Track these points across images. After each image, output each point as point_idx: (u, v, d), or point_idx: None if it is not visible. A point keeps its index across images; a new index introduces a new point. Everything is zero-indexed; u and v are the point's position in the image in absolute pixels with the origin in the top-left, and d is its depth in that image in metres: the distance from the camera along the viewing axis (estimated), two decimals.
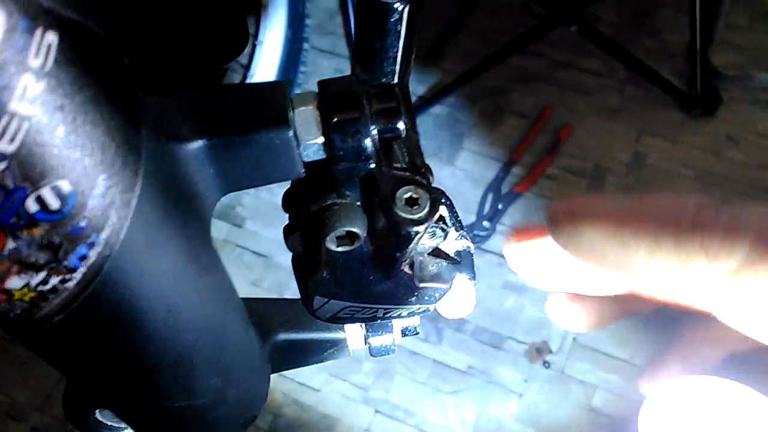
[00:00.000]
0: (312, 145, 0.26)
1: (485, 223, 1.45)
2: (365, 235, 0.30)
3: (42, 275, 0.19)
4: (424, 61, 1.65)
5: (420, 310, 0.36)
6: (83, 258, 0.20)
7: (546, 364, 1.32)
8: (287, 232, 0.34)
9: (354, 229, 0.29)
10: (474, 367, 1.36)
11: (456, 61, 1.62)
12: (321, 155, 0.26)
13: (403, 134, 0.27)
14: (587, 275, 0.25)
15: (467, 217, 1.46)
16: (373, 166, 0.28)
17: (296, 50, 1.50)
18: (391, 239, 0.30)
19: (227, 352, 0.30)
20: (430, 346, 1.39)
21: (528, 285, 0.29)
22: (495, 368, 1.35)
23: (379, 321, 0.38)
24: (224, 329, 0.29)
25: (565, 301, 0.28)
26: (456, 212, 0.35)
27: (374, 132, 0.26)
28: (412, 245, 0.29)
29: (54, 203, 0.18)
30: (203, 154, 0.24)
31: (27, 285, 0.19)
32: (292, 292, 1.37)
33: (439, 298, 0.35)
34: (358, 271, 0.32)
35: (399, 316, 0.36)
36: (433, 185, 0.37)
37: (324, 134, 0.25)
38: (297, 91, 1.19)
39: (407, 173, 0.28)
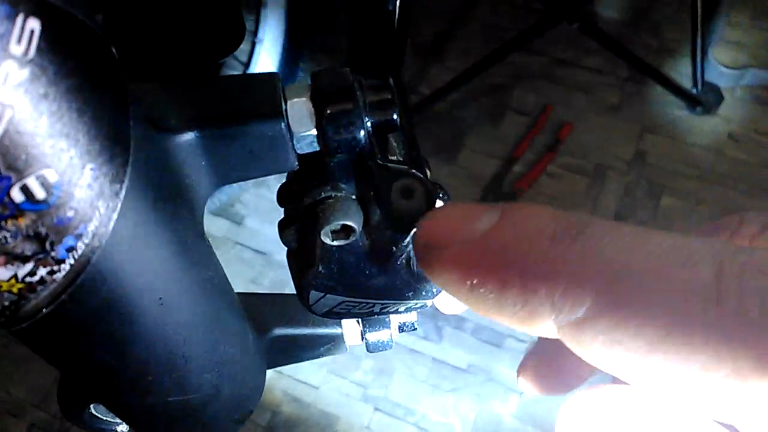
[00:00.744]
0: (305, 137, 0.25)
1: None
2: (361, 228, 0.30)
3: (29, 266, 0.19)
4: (425, 58, 1.64)
5: (417, 306, 0.36)
6: (71, 249, 0.19)
7: None
8: (282, 226, 0.33)
9: (349, 223, 0.29)
10: (474, 365, 1.36)
11: (457, 59, 1.61)
12: (315, 147, 0.26)
13: (398, 126, 0.27)
14: None
15: None
16: (368, 158, 0.28)
17: (296, 47, 1.49)
18: (386, 233, 0.30)
19: (221, 347, 0.30)
20: (430, 343, 1.38)
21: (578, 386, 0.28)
22: (495, 366, 1.34)
23: (375, 317, 0.38)
24: (218, 323, 0.29)
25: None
26: None
27: (368, 124, 0.26)
28: (408, 239, 0.29)
29: (40, 193, 0.17)
30: (195, 146, 0.24)
31: (14, 276, 0.19)
32: (291, 289, 1.36)
33: (437, 294, 0.35)
34: (355, 266, 0.32)
35: (396, 312, 0.36)
36: (431, 180, 0.37)
37: (317, 126, 0.25)
38: None
39: (403, 166, 0.28)
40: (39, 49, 0.16)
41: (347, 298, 0.33)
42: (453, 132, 1.56)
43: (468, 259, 0.19)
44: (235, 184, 1.47)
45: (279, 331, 0.37)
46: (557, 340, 0.26)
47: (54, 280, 0.20)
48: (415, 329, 0.41)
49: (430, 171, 0.36)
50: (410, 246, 0.31)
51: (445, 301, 0.36)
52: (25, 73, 0.15)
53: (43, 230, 0.19)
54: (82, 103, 0.18)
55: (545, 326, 0.17)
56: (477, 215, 0.19)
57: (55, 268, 0.20)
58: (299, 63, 1.53)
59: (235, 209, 1.54)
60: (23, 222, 0.18)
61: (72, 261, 0.20)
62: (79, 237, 0.19)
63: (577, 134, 1.53)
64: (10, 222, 0.18)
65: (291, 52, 1.47)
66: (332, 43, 1.70)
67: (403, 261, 0.32)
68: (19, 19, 0.15)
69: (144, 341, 0.25)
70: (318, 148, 0.26)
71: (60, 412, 0.38)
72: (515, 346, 1.35)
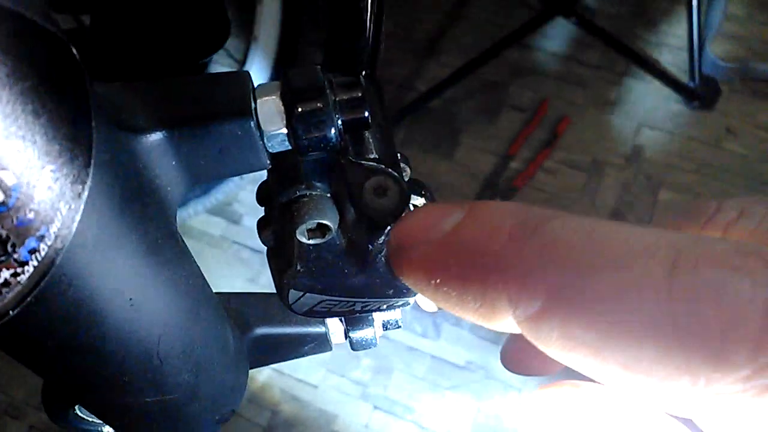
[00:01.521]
0: (276, 135, 0.25)
1: None
2: (336, 227, 0.30)
3: None
4: (421, 55, 1.64)
5: (399, 303, 0.36)
6: (33, 251, 0.19)
7: None
8: (260, 226, 0.33)
9: (324, 221, 0.29)
10: (473, 362, 1.36)
11: (453, 55, 1.61)
12: (287, 146, 0.26)
13: (370, 125, 0.27)
14: None
15: None
16: (341, 157, 0.28)
17: (293, 45, 1.49)
18: (362, 231, 0.30)
19: (198, 347, 0.29)
20: (429, 341, 1.38)
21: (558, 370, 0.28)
22: (493, 363, 1.34)
23: (358, 315, 0.38)
24: (194, 323, 0.29)
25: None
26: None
27: (339, 122, 0.26)
28: (383, 236, 0.29)
29: None
30: (163, 146, 0.24)
31: None
32: None
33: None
34: (333, 264, 0.32)
35: (378, 310, 0.36)
36: (415, 177, 0.37)
37: (288, 125, 0.25)
38: None
39: (376, 164, 0.28)
40: None
41: (327, 297, 0.33)
42: (449, 128, 1.55)
43: (430, 258, 0.19)
44: (232, 183, 1.48)
45: (261, 331, 0.37)
46: None
47: (18, 282, 0.20)
48: (399, 327, 0.41)
49: (410, 168, 0.36)
50: (386, 244, 0.31)
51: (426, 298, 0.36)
52: None
53: (3, 232, 0.19)
54: (38, 104, 0.18)
55: (506, 322, 0.17)
56: (445, 215, 0.20)
57: (19, 270, 0.20)
58: (295, 60, 1.53)
59: (233, 208, 1.54)
60: None
61: (35, 263, 0.20)
62: (41, 239, 0.19)
63: (575, 129, 1.53)
64: None
65: (287, 50, 1.47)
66: None
67: (382, 259, 0.32)
68: None
69: (116, 342, 0.25)
70: (290, 147, 0.26)
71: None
72: None
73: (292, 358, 0.40)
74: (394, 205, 0.27)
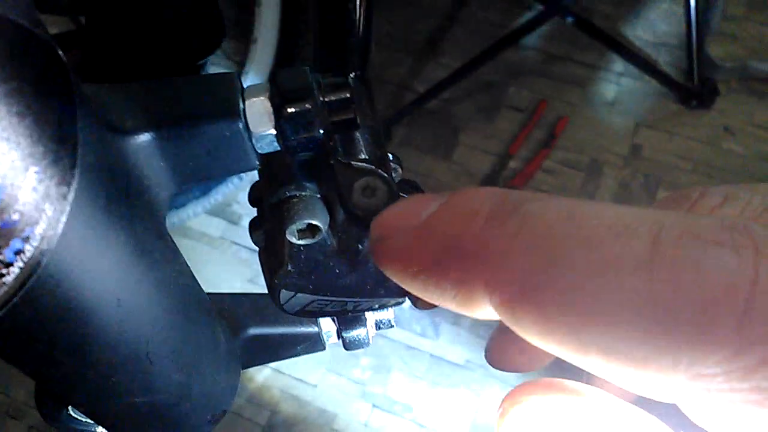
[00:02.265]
0: (265, 136, 0.25)
1: None
2: (326, 227, 0.30)
3: None
4: (419, 56, 1.64)
5: (391, 303, 0.36)
6: (19, 252, 0.20)
7: None
8: (252, 226, 0.33)
9: (314, 222, 0.29)
10: (471, 361, 1.36)
11: (451, 56, 1.61)
12: (276, 147, 0.26)
13: (358, 125, 0.27)
14: None
15: None
16: (331, 157, 0.28)
17: (291, 47, 1.49)
18: (352, 231, 0.30)
19: (189, 347, 0.30)
20: (427, 340, 1.38)
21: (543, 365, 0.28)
22: None
23: (350, 315, 0.38)
24: (184, 324, 0.29)
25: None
26: None
27: (327, 123, 0.26)
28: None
29: None
30: (151, 147, 0.24)
31: None
32: None
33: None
34: (324, 264, 0.32)
35: (370, 309, 0.36)
36: (413, 177, 0.37)
37: (276, 125, 0.25)
38: None
39: (365, 164, 0.28)
40: None
41: (319, 297, 0.33)
42: (448, 129, 1.56)
43: (406, 247, 0.18)
44: (231, 184, 1.48)
45: (254, 331, 0.37)
46: None
47: (4, 283, 0.20)
48: (393, 326, 0.41)
49: (401, 168, 0.36)
50: None
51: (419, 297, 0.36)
52: None
53: None
54: (22, 106, 0.18)
55: (486, 309, 0.17)
56: (424, 204, 0.19)
57: (4, 271, 0.20)
58: (294, 62, 1.53)
59: (232, 209, 1.54)
60: None
61: (21, 264, 0.20)
62: (26, 240, 0.19)
63: (573, 129, 1.53)
64: None
65: (286, 51, 1.47)
66: None
67: (373, 258, 0.32)
68: None
69: (105, 343, 0.25)
70: (279, 148, 0.26)
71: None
72: None
73: (286, 358, 0.40)
74: (383, 205, 0.27)
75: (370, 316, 0.41)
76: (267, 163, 0.28)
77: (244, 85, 0.26)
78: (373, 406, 1.34)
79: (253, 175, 0.31)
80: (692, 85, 1.51)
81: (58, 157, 0.19)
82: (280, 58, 1.45)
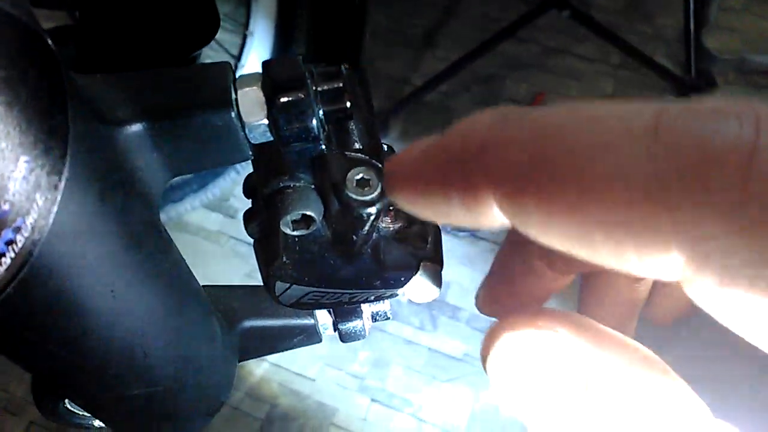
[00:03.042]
0: (257, 126, 0.25)
1: None
2: (321, 218, 0.30)
3: None
4: (416, 49, 1.64)
5: (387, 295, 0.36)
6: (10, 243, 0.19)
7: None
8: (247, 218, 0.33)
9: (308, 212, 0.29)
10: (470, 355, 1.36)
11: (449, 49, 1.61)
12: (268, 137, 0.26)
13: (351, 115, 0.27)
14: None
15: None
16: (324, 147, 0.28)
17: (288, 40, 1.49)
18: (346, 221, 0.30)
19: (184, 339, 0.30)
20: (426, 334, 1.39)
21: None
22: None
23: (346, 306, 0.38)
24: (179, 315, 0.29)
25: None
26: None
27: (320, 112, 0.26)
28: (367, 227, 0.29)
29: None
30: (143, 138, 0.24)
31: None
32: None
33: (405, 282, 0.35)
34: (319, 256, 0.32)
35: (366, 301, 0.36)
36: None
37: (269, 115, 0.25)
38: None
39: (359, 155, 0.28)
40: None
41: (314, 288, 0.33)
42: (445, 122, 1.54)
43: (415, 168, 0.18)
44: (228, 178, 1.48)
45: (250, 323, 0.37)
46: (511, 259, 0.24)
47: None
48: (389, 318, 0.41)
49: None
50: (371, 234, 0.31)
51: (415, 289, 0.36)
52: None
53: None
54: (11, 95, 0.18)
55: (493, 213, 0.16)
56: (432, 137, 0.19)
57: None
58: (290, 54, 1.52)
59: (230, 203, 1.54)
60: None
61: (12, 254, 0.20)
62: (17, 230, 0.19)
63: None
64: None
65: (282, 45, 1.46)
66: None
67: (368, 250, 0.32)
68: None
69: (99, 333, 0.25)
70: (272, 138, 0.26)
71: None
72: None
73: (282, 350, 0.40)
74: (377, 196, 0.27)
75: (366, 308, 0.41)
76: (260, 153, 0.28)
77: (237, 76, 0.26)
78: (372, 400, 1.35)
79: (251, 169, 0.31)
80: (690, 77, 1.51)
81: (49, 147, 0.19)
82: (276, 51, 1.44)
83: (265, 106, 0.25)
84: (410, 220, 0.33)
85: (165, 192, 0.27)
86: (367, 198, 0.27)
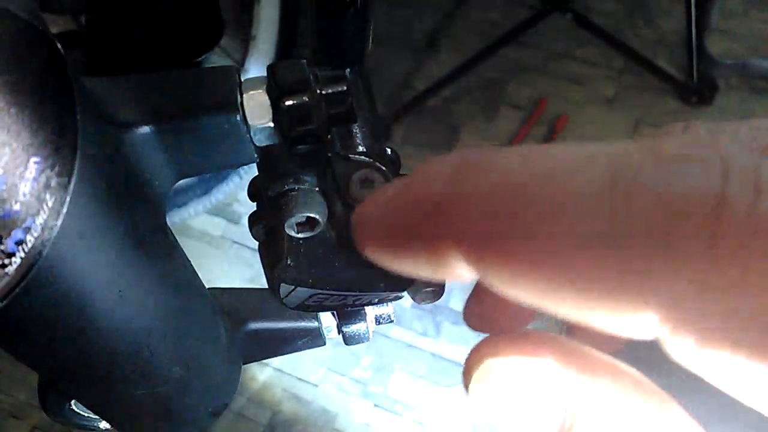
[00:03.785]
0: (263, 129, 0.26)
1: None
2: (325, 220, 0.30)
3: None
4: (418, 54, 1.64)
5: (390, 298, 0.36)
6: (20, 242, 0.20)
7: None
8: (252, 221, 0.34)
9: (313, 215, 0.29)
10: None
11: (451, 53, 1.61)
12: (273, 140, 0.26)
13: (355, 118, 0.27)
14: None
15: None
16: (328, 150, 0.28)
17: (291, 45, 1.49)
18: (350, 224, 0.30)
19: (189, 340, 0.30)
20: (429, 339, 1.39)
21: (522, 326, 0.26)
22: None
23: (350, 309, 0.38)
24: (185, 316, 0.29)
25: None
26: None
27: (324, 116, 0.26)
28: None
29: None
30: (150, 140, 0.24)
31: None
32: None
33: (409, 285, 0.35)
34: (323, 258, 0.32)
35: (370, 304, 0.36)
36: (403, 172, 0.37)
37: (274, 118, 0.25)
38: None
39: (363, 157, 0.28)
40: None
41: (318, 291, 0.33)
42: (448, 127, 1.56)
43: (378, 224, 0.18)
44: (232, 183, 1.48)
45: (254, 326, 0.37)
46: None
47: (6, 273, 0.20)
48: (392, 321, 0.41)
49: (399, 162, 0.36)
50: None
51: (418, 291, 0.36)
52: None
53: None
54: (21, 97, 0.18)
55: (460, 269, 0.16)
56: (395, 185, 0.18)
57: (6, 261, 0.20)
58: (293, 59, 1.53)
59: (233, 208, 1.54)
60: None
61: (22, 254, 0.20)
62: (27, 230, 0.20)
63: (573, 127, 1.53)
64: None
65: (285, 50, 1.47)
66: None
67: None
68: None
69: (106, 333, 0.25)
70: (277, 141, 0.27)
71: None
72: None
73: (287, 353, 0.40)
74: None
75: (370, 311, 0.41)
76: (265, 156, 0.28)
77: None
78: (375, 405, 1.35)
79: (254, 173, 0.31)
80: (692, 82, 1.51)
81: (58, 148, 0.19)
82: (279, 55, 1.45)
83: (270, 109, 0.25)
84: None
85: (169, 196, 0.27)
86: None
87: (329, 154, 0.28)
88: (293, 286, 0.33)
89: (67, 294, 0.22)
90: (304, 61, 0.26)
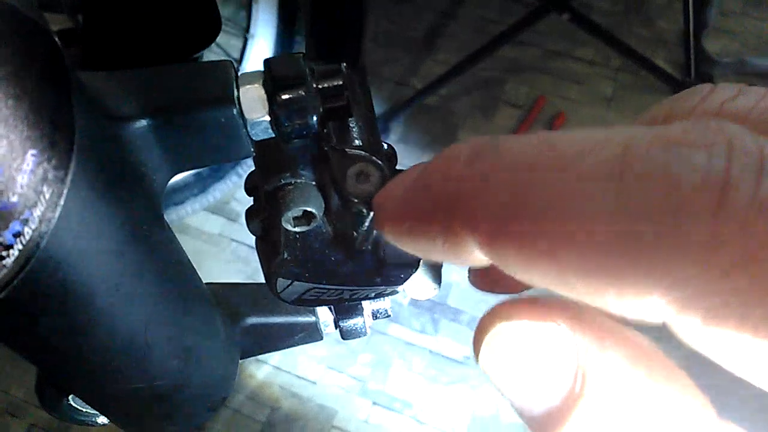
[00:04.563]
0: (259, 123, 0.26)
1: None
2: (322, 214, 0.30)
3: None
4: (416, 53, 1.64)
5: (387, 292, 0.36)
6: (18, 235, 0.20)
7: None
8: (249, 215, 0.34)
9: (309, 209, 0.29)
10: (470, 357, 1.36)
11: (449, 52, 1.62)
12: (270, 134, 0.27)
13: (351, 112, 0.27)
14: None
15: None
16: (324, 144, 0.28)
17: (289, 43, 1.50)
18: (347, 218, 0.30)
19: (187, 334, 0.30)
20: (426, 336, 1.39)
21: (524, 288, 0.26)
22: None
23: (347, 304, 0.38)
24: (182, 311, 0.29)
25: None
26: None
27: (320, 109, 0.26)
28: (367, 223, 0.29)
29: None
30: (147, 134, 0.24)
31: None
32: None
33: (405, 279, 0.35)
34: (320, 252, 0.32)
35: (366, 298, 0.36)
36: (400, 167, 0.37)
37: (270, 112, 0.26)
38: None
39: (359, 151, 0.29)
40: None
41: (315, 285, 0.34)
42: (446, 125, 1.56)
43: (398, 205, 0.18)
44: (230, 181, 1.48)
45: (252, 320, 0.37)
46: None
47: (4, 265, 0.20)
48: (389, 315, 0.41)
49: (396, 157, 0.36)
50: (372, 230, 0.32)
51: (415, 286, 0.36)
52: None
53: None
54: (19, 89, 0.18)
55: (474, 253, 0.16)
56: (416, 168, 0.19)
57: (4, 253, 0.20)
58: None
59: (231, 206, 1.54)
60: None
61: (20, 246, 0.20)
62: (25, 222, 0.20)
63: (571, 125, 1.53)
64: None
65: (284, 47, 1.47)
66: None
67: (369, 246, 0.33)
68: None
69: (104, 327, 0.25)
70: (273, 135, 0.27)
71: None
72: None
73: (284, 348, 0.41)
74: (377, 191, 0.28)
75: (367, 306, 0.41)
76: (262, 151, 0.29)
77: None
78: (373, 402, 1.35)
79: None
80: (689, 80, 1.51)
81: (56, 141, 0.20)
82: (276, 53, 1.45)
83: (266, 103, 0.25)
84: None
85: (166, 195, 0.27)
86: (367, 194, 0.28)
87: (325, 149, 0.28)
88: (290, 281, 0.33)
89: (64, 286, 0.23)
90: (301, 54, 0.26)
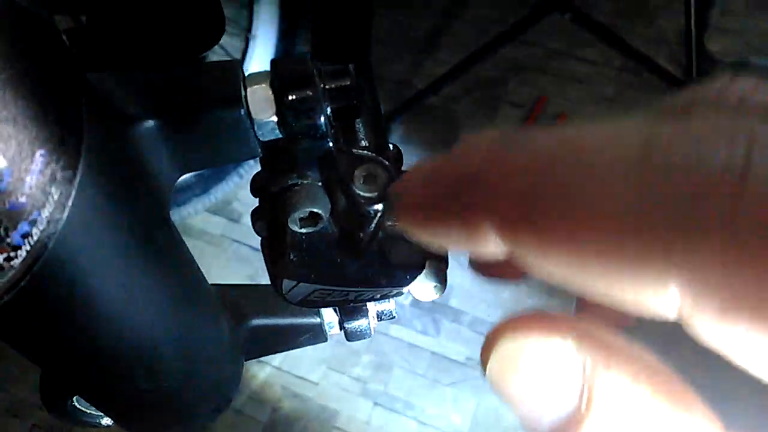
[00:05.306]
0: (266, 123, 0.26)
1: None
2: (328, 215, 0.30)
3: None
4: (418, 52, 1.64)
5: (392, 293, 0.36)
6: (26, 235, 0.20)
7: None
8: (254, 216, 0.34)
9: (315, 210, 0.29)
10: (472, 359, 1.36)
11: (450, 52, 1.61)
12: (277, 134, 0.26)
13: (359, 112, 0.27)
14: None
15: None
16: (332, 145, 0.28)
17: (291, 43, 1.49)
18: (353, 219, 0.30)
19: (193, 335, 0.30)
20: (428, 338, 1.39)
21: (525, 276, 0.26)
22: None
23: (352, 305, 0.38)
24: (188, 310, 0.29)
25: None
26: None
27: (328, 110, 0.26)
28: (373, 224, 0.29)
29: None
30: (155, 134, 0.24)
31: None
32: None
33: (411, 281, 0.35)
34: (326, 253, 0.32)
35: (372, 299, 0.36)
36: (405, 169, 0.37)
37: (277, 113, 0.25)
38: None
39: (366, 152, 0.28)
40: None
41: (320, 286, 0.33)
42: (448, 125, 1.56)
43: (418, 194, 0.19)
44: (231, 182, 1.48)
45: (257, 321, 0.37)
46: None
47: (12, 266, 0.20)
48: (394, 317, 0.41)
49: (402, 158, 0.36)
50: (378, 232, 0.32)
51: (420, 287, 0.36)
52: None
53: None
54: (28, 89, 0.18)
55: (493, 242, 0.16)
56: (434, 159, 0.19)
57: (12, 254, 0.20)
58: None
59: (232, 207, 1.54)
60: None
61: (28, 247, 0.20)
62: (33, 223, 0.20)
63: None
64: None
65: (285, 48, 1.47)
66: None
67: (374, 247, 0.33)
68: None
69: (111, 328, 0.25)
70: (280, 135, 0.27)
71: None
72: None
73: (288, 349, 0.40)
74: (383, 192, 0.28)
75: (371, 307, 0.41)
76: (268, 151, 0.29)
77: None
78: (375, 403, 1.35)
79: (254, 173, 0.31)
80: (692, 80, 1.51)
81: (65, 141, 0.19)
82: (279, 54, 1.45)
83: (273, 104, 0.25)
84: None
85: (172, 190, 0.27)
86: (374, 195, 0.27)
87: (332, 149, 0.28)
88: (296, 282, 0.33)
89: (71, 286, 0.22)
90: (308, 55, 0.26)
